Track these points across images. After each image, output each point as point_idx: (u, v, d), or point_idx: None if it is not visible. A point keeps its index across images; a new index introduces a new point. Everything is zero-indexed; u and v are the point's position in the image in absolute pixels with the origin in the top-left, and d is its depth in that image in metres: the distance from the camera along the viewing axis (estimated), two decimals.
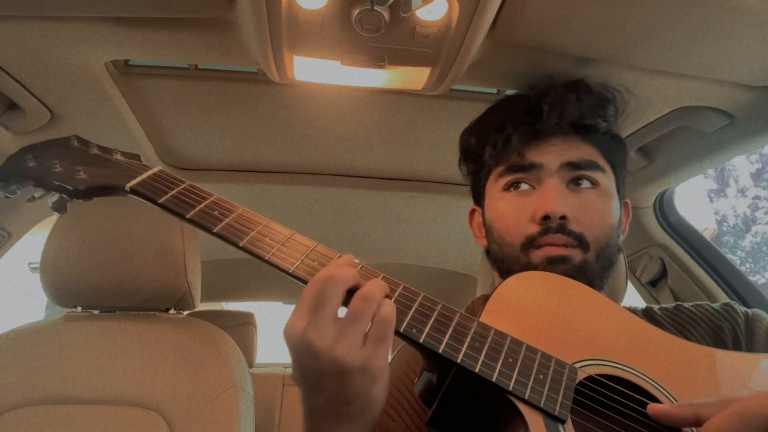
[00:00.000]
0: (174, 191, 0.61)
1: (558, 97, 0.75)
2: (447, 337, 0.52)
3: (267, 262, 0.56)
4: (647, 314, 0.78)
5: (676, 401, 0.54)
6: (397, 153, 1.27)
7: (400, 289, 0.55)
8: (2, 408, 1.01)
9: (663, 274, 1.30)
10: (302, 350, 0.50)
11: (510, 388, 0.50)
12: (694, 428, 0.49)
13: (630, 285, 1.11)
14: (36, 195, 0.65)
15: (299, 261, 0.56)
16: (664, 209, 1.27)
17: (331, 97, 1.06)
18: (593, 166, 0.73)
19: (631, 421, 0.54)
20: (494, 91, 1.04)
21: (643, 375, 0.56)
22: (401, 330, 0.52)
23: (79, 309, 1.16)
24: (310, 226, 1.62)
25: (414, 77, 0.87)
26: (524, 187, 0.73)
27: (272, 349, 3.20)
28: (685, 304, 0.78)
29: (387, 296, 0.54)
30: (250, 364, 2.41)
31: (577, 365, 0.55)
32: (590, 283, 0.68)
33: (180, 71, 1.01)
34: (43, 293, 1.15)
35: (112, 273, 1.10)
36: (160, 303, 1.16)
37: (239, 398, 1.05)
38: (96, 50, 0.86)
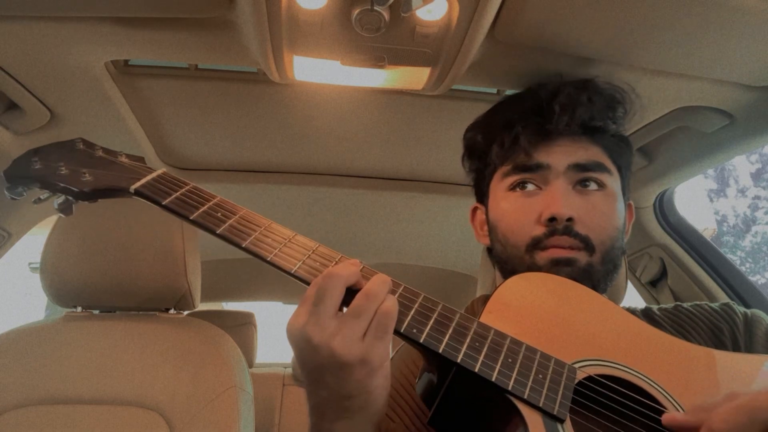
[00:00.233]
0: (178, 193, 0.62)
1: (569, 97, 0.74)
2: (447, 337, 0.53)
3: (269, 263, 0.57)
4: (646, 315, 0.77)
5: (676, 402, 0.54)
6: (397, 153, 1.27)
7: (400, 290, 0.56)
8: (2, 408, 1.01)
9: (663, 274, 1.30)
10: (302, 345, 0.51)
11: (509, 388, 0.51)
12: None
13: (630, 285, 1.11)
14: (42, 197, 0.66)
15: (301, 262, 0.57)
16: (664, 209, 1.27)
17: (331, 97, 1.06)
18: (600, 167, 0.73)
19: (630, 422, 0.54)
20: (494, 91, 1.04)
21: (643, 375, 0.56)
22: (402, 330, 0.53)
23: (79, 309, 1.16)
24: (310, 226, 1.62)
25: (414, 77, 0.87)
26: (530, 187, 0.73)
27: (272, 349, 3.20)
28: (685, 305, 0.77)
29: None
30: (250, 364, 2.41)
31: (577, 365, 0.55)
32: (595, 286, 0.68)
33: (180, 71, 1.01)
34: (43, 293, 1.15)
35: (112, 273, 1.10)
36: (160, 303, 1.16)
37: (239, 398, 1.05)
38: (96, 50, 0.86)
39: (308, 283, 0.54)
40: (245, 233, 0.59)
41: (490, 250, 0.84)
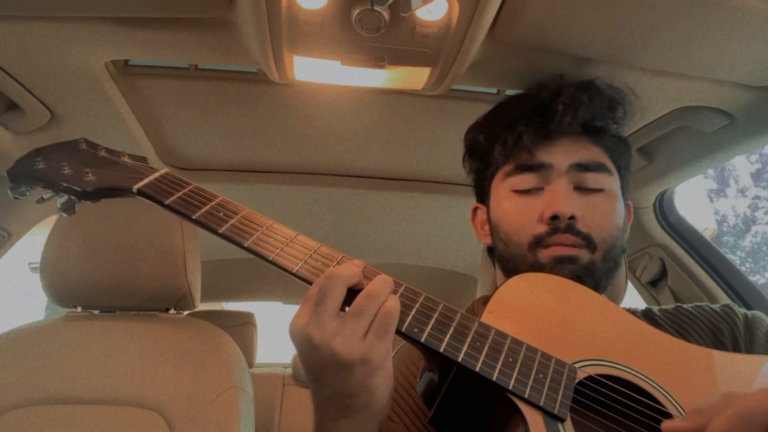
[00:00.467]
0: (180, 193, 0.62)
1: (571, 97, 0.75)
2: (448, 336, 0.53)
3: (271, 262, 0.57)
4: (647, 315, 0.78)
5: (676, 402, 0.55)
6: (397, 153, 1.27)
7: (402, 290, 0.56)
8: (2, 408, 1.01)
9: (663, 274, 1.30)
10: (304, 344, 0.51)
11: (510, 387, 0.51)
12: None
13: (630, 285, 1.11)
14: (45, 196, 0.67)
15: (302, 262, 0.57)
16: (664, 209, 1.27)
17: (331, 97, 1.06)
18: (601, 167, 0.74)
19: (630, 421, 0.54)
20: (494, 91, 1.04)
21: (643, 375, 0.56)
22: (403, 329, 0.53)
23: (79, 309, 1.16)
24: (310, 226, 1.62)
25: (414, 77, 0.87)
26: (532, 189, 0.74)
27: (272, 349, 3.20)
28: (685, 306, 0.78)
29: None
30: (250, 364, 2.41)
31: (577, 365, 0.55)
32: (597, 283, 0.69)
33: (180, 71, 1.01)
34: (43, 293, 1.15)
35: (112, 273, 1.10)
36: (160, 303, 1.16)
37: (239, 398, 1.05)
38: (96, 50, 0.86)
39: (310, 283, 0.54)
40: (247, 233, 0.59)
41: (490, 250, 0.84)
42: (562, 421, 0.50)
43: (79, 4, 0.75)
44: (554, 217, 0.69)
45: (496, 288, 0.61)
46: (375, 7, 0.70)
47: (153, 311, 1.17)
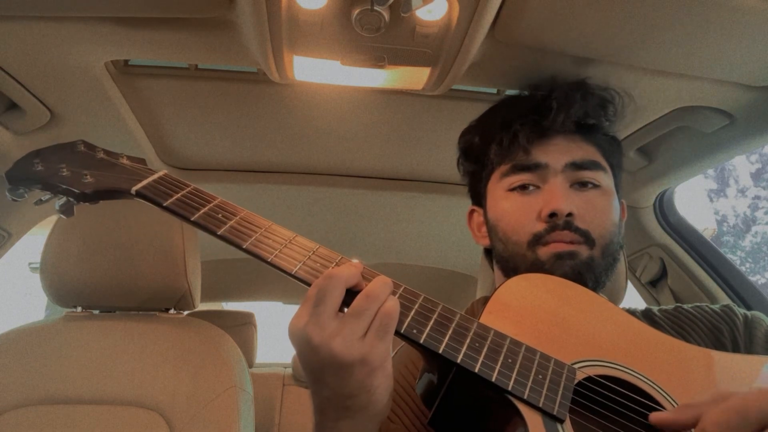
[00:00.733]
0: (179, 194, 0.63)
1: (564, 95, 0.76)
2: (447, 337, 0.53)
3: (270, 264, 0.57)
4: (646, 316, 0.78)
5: (675, 402, 0.55)
6: (397, 153, 1.27)
7: (401, 291, 0.56)
8: (2, 408, 1.01)
9: (663, 274, 1.30)
10: (303, 345, 0.51)
11: (509, 388, 0.51)
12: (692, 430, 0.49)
13: (630, 285, 1.11)
14: (43, 198, 0.67)
15: (301, 263, 0.57)
16: (664, 209, 1.27)
17: (331, 97, 1.06)
18: (596, 165, 0.75)
19: (629, 422, 0.54)
20: (494, 91, 1.04)
21: (642, 376, 0.56)
22: (402, 330, 0.53)
23: (79, 309, 1.16)
24: (310, 226, 1.62)
25: (414, 77, 0.87)
26: (530, 188, 0.74)
27: (272, 349, 3.20)
28: (685, 306, 0.78)
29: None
30: (250, 364, 2.41)
31: (576, 366, 0.55)
32: (597, 279, 0.70)
33: (180, 71, 1.01)
34: (43, 293, 1.15)
35: (112, 273, 1.10)
36: (160, 303, 1.16)
37: (239, 398, 1.05)
38: (96, 50, 0.86)
39: (309, 284, 0.54)
40: (246, 234, 0.59)
41: (488, 252, 0.84)
42: (561, 421, 0.50)
43: (79, 4, 0.75)
44: (552, 215, 0.70)
45: (496, 288, 0.61)
46: (375, 7, 0.70)
47: (153, 311, 1.17)
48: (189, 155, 1.28)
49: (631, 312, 0.78)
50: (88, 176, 0.65)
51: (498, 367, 0.52)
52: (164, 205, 0.61)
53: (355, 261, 0.57)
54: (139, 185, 0.63)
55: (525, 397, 0.50)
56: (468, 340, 0.53)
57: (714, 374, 0.59)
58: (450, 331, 0.53)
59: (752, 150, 1.08)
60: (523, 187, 0.74)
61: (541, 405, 0.50)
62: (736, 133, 0.96)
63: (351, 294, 0.52)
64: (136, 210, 1.14)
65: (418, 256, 1.90)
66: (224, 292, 2.54)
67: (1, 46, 0.83)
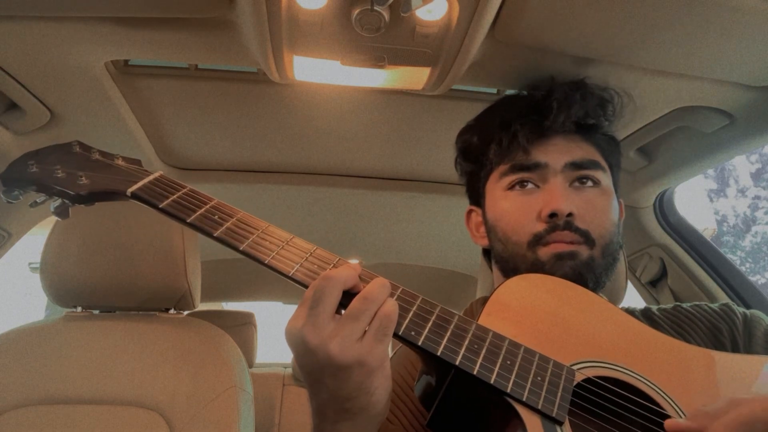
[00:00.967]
0: (175, 196, 0.62)
1: (564, 95, 0.76)
2: (445, 339, 0.52)
3: (266, 265, 0.57)
4: (646, 315, 0.78)
5: (674, 403, 0.54)
6: (397, 153, 1.27)
7: (398, 292, 0.56)
8: (2, 408, 1.01)
9: (663, 274, 1.30)
10: (300, 347, 0.51)
11: (508, 390, 0.50)
12: None
13: (630, 285, 1.11)
14: (38, 200, 0.66)
15: (298, 265, 0.56)
16: (664, 209, 1.27)
17: (331, 97, 1.06)
18: (595, 165, 0.74)
19: (628, 423, 0.54)
20: (494, 91, 1.04)
21: (641, 377, 0.56)
22: (400, 333, 0.53)
23: (79, 309, 1.16)
24: (310, 226, 1.62)
25: (414, 77, 0.87)
26: (529, 186, 0.74)
27: (272, 349, 3.20)
28: (684, 305, 0.78)
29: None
30: (250, 364, 2.41)
31: (575, 367, 0.55)
32: (597, 279, 0.70)
33: (180, 71, 1.01)
34: (43, 293, 1.15)
35: (112, 273, 1.10)
36: (160, 303, 1.16)
37: (239, 398, 1.05)
38: (96, 50, 0.86)
39: (306, 286, 0.54)
40: (243, 236, 0.58)
41: (486, 253, 0.84)
42: (561, 423, 0.50)
43: (79, 4, 0.75)
44: (553, 215, 0.70)
45: (495, 289, 0.61)
46: (375, 7, 0.69)
47: (153, 311, 1.17)
48: (189, 155, 1.28)
49: (631, 312, 0.78)
50: (83, 178, 0.64)
51: (497, 369, 0.51)
52: (160, 206, 0.61)
53: (353, 262, 0.57)
54: (135, 187, 0.63)
55: (524, 399, 0.50)
56: (467, 342, 0.53)
57: (714, 374, 0.59)
58: (448, 333, 0.53)
59: (752, 150, 1.08)
60: (522, 184, 0.74)
61: (539, 407, 0.50)
62: (736, 133, 0.96)
63: (349, 296, 0.52)
64: (136, 210, 1.13)
65: (418, 256, 1.90)
66: (224, 292, 2.55)
67: (1, 46, 0.83)
